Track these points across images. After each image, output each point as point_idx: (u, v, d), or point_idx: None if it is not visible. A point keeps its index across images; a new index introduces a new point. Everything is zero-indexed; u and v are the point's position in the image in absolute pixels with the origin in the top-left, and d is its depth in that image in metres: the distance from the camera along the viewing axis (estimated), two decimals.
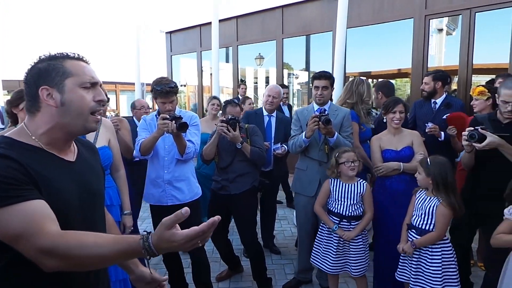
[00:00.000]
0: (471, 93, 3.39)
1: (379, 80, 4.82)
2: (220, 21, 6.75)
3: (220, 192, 3.13)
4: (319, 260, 2.87)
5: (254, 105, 5.59)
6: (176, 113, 2.70)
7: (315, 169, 3.10)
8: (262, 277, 3.24)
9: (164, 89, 2.58)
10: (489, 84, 3.71)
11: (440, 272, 2.44)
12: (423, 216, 2.50)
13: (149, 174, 2.85)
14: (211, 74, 8.57)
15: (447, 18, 5.57)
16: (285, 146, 3.65)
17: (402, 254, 2.61)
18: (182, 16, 9.05)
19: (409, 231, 2.58)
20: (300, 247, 3.33)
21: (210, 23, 6.16)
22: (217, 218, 0.95)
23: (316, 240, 2.94)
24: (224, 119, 2.94)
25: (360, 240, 2.77)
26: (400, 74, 6.41)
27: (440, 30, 8.61)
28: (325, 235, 2.86)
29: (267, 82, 8.75)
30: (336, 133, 2.94)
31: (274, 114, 3.89)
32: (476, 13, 4.87)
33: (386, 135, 2.99)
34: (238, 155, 3.03)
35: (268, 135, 3.80)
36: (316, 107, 3.17)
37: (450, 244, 2.50)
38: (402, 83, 6.80)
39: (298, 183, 3.24)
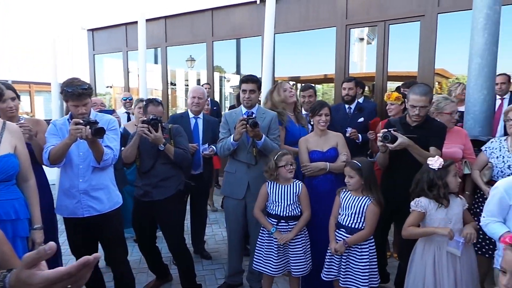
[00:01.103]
0: (385, 99, 3.67)
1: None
2: (147, 20, 6.48)
3: (142, 199, 2.98)
4: (262, 264, 2.86)
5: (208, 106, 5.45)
6: (92, 117, 2.50)
7: (243, 171, 3.11)
8: (191, 284, 3.15)
9: (76, 91, 2.35)
10: (398, 90, 4.08)
11: (368, 267, 2.59)
12: (353, 215, 2.62)
13: (61, 183, 2.59)
14: (138, 75, 8.19)
15: (367, 28, 6.00)
16: (213, 147, 3.62)
17: (328, 254, 2.69)
18: (106, 13, 8.52)
19: (338, 230, 2.68)
20: (230, 250, 3.31)
21: (136, 22, 5.88)
22: (92, 257, 0.76)
23: (257, 244, 2.93)
24: (145, 119, 2.81)
25: (299, 240, 2.81)
26: (326, 79, 6.73)
27: (362, 39, 9.27)
28: (266, 238, 2.86)
29: (198, 84, 8.62)
30: (263, 135, 2.98)
31: (201, 116, 3.83)
32: (390, 25, 5.32)
33: (313, 137, 3.11)
34: (160, 158, 2.92)
35: (196, 137, 3.72)
36: (244, 110, 3.18)
37: (373, 240, 2.66)
38: (328, 88, 7.16)
39: (227, 186, 3.23)
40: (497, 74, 3.49)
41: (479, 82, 3.32)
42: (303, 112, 4.08)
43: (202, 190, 3.93)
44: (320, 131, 3.06)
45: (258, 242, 2.92)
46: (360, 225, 2.61)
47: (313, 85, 4.50)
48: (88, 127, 2.26)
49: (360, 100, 4.40)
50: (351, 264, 2.61)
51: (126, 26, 8.28)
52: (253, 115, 3.01)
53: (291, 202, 2.81)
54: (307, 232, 2.90)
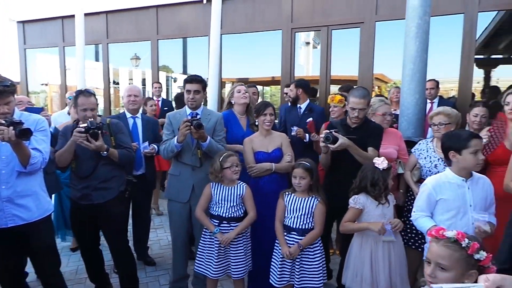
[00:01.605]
0: (329, 101, 3.79)
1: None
2: (86, 15, 6.14)
3: (81, 202, 2.79)
4: (203, 267, 2.81)
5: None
6: (16, 116, 2.28)
7: (188, 174, 3.04)
8: None
9: None
10: (340, 93, 4.25)
11: (321, 266, 2.65)
12: (303, 216, 2.64)
13: None
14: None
15: (313, 32, 6.17)
16: (155, 146, 3.50)
17: (280, 259, 2.66)
18: (39, 4, 7.89)
19: (288, 234, 2.67)
20: (175, 255, 3.21)
21: (74, 16, 5.53)
22: None
23: (199, 246, 2.88)
24: (82, 128, 2.58)
25: (241, 242, 2.79)
26: (274, 81, 6.83)
27: (308, 43, 9.57)
28: (207, 240, 2.82)
29: (143, 84, 8.31)
30: (208, 137, 2.93)
31: (139, 115, 3.68)
32: (333, 30, 5.53)
33: (257, 137, 3.11)
34: (102, 159, 2.76)
35: (135, 137, 3.57)
36: (188, 111, 3.11)
37: (321, 238, 2.73)
38: (276, 90, 7.27)
39: (171, 189, 3.13)
40: (427, 79, 3.77)
41: (411, 87, 3.56)
42: None
43: (145, 192, 3.78)
44: (265, 131, 3.07)
45: (200, 244, 2.88)
46: (310, 226, 2.65)
47: (255, 85, 4.55)
48: (11, 128, 2.05)
49: (307, 102, 4.50)
50: (305, 266, 2.63)
51: (63, 20, 7.75)
52: (198, 116, 2.95)
53: (235, 203, 2.80)
54: (249, 233, 2.90)
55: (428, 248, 1.47)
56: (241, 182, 2.87)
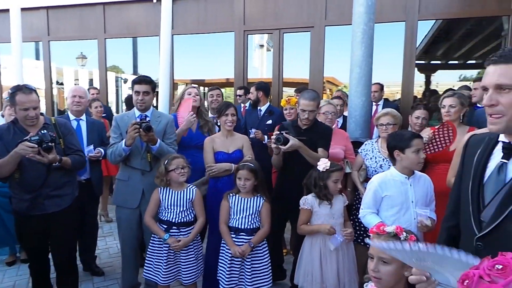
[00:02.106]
0: (283, 103, 3.82)
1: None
2: (23, 9, 5.71)
3: (30, 213, 2.56)
4: (152, 273, 2.72)
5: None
6: None
7: (137, 179, 2.92)
8: None
9: None
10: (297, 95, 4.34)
11: (269, 265, 2.68)
12: (250, 216, 2.65)
13: None
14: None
15: (266, 35, 6.22)
16: (101, 149, 3.33)
17: (228, 261, 2.64)
18: None
19: (237, 235, 2.66)
20: (124, 263, 3.08)
21: (8, 10, 5.11)
22: None
23: (147, 252, 2.78)
24: (30, 142, 2.34)
25: (191, 247, 2.74)
26: (228, 83, 6.79)
27: (262, 46, 9.66)
28: (156, 245, 2.74)
29: (91, 84, 7.90)
30: (159, 140, 2.84)
31: (84, 117, 3.50)
32: (284, 33, 5.63)
33: (219, 137, 3.09)
34: (52, 167, 2.55)
35: (80, 141, 3.36)
36: (137, 113, 3.00)
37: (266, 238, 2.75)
38: (231, 91, 7.24)
39: (119, 195, 3.00)
40: (372, 83, 3.96)
41: (358, 90, 3.72)
42: (210, 115, 4.09)
43: (91, 198, 3.57)
44: (226, 132, 3.06)
45: (148, 250, 2.79)
46: (258, 225, 2.68)
47: (218, 87, 4.53)
48: None
49: (267, 104, 4.53)
50: (256, 265, 2.65)
51: None
52: (147, 119, 2.86)
53: (184, 208, 2.73)
54: (199, 237, 2.86)
55: (371, 244, 1.54)
56: (191, 186, 2.82)
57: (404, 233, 1.48)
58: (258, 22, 5.73)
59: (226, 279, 2.62)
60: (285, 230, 3.37)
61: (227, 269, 2.63)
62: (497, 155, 1.31)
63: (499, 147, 1.31)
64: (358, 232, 2.99)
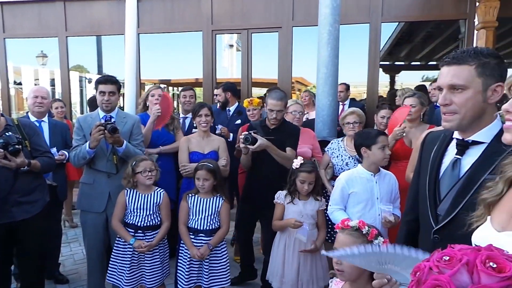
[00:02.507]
0: (246, 105, 3.79)
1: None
2: None
3: None
4: (115, 277, 2.67)
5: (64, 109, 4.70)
6: None
7: (103, 182, 2.84)
8: None
9: None
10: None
11: (228, 265, 2.69)
12: (209, 217, 2.65)
13: None
14: None
15: (236, 35, 6.20)
16: (65, 152, 3.21)
17: (187, 262, 2.63)
18: None
19: (196, 236, 2.65)
20: (90, 269, 2.99)
21: None
22: None
23: (112, 256, 2.72)
24: None
25: (157, 250, 2.70)
26: (197, 83, 6.72)
27: (231, 45, 9.64)
28: (121, 249, 2.68)
29: (52, 85, 7.57)
30: (125, 142, 2.78)
31: (46, 119, 3.36)
32: (252, 34, 5.65)
33: (195, 138, 3.10)
34: (19, 171, 2.42)
35: None
36: (101, 114, 2.92)
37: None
38: (200, 92, 7.18)
39: (84, 200, 2.91)
40: (339, 83, 4.05)
41: (325, 90, 3.79)
42: (182, 115, 4.09)
43: (55, 203, 3.42)
44: (202, 133, 3.06)
45: (112, 254, 2.73)
46: (217, 225, 2.68)
47: (192, 87, 4.49)
48: None
49: (235, 105, 4.52)
50: (214, 266, 2.65)
51: None
52: (112, 120, 2.78)
53: (151, 212, 2.69)
54: (166, 241, 2.82)
55: (336, 238, 1.59)
56: (158, 189, 2.77)
57: (366, 227, 1.54)
58: (226, 22, 5.72)
59: (185, 280, 2.62)
60: (254, 230, 3.38)
61: (186, 269, 2.63)
62: (452, 151, 1.38)
63: (453, 143, 1.38)
64: (327, 230, 3.05)
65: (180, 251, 2.72)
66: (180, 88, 5.36)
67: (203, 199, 2.67)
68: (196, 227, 2.65)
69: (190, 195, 2.70)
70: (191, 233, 2.65)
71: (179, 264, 2.70)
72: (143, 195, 2.69)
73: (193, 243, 2.62)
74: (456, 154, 1.34)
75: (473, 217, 1.06)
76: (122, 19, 4.45)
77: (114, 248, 2.72)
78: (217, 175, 2.67)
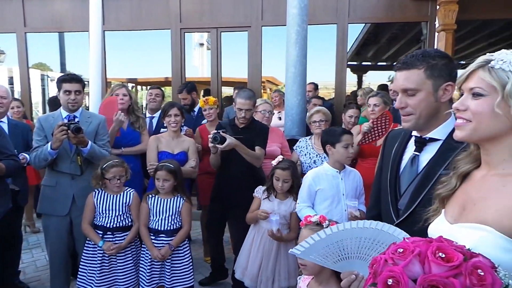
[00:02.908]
0: (202, 104, 3.66)
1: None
2: None
3: None
4: (85, 281, 2.59)
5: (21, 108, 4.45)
6: None
7: (66, 184, 2.75)
8: None
9: None
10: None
11: (191, 264, 2.68)
12: (170, 217, 2.63)
13: None
14: None
15: (206, 34, 6.13)
16: (25, 155, 3.07)
17: (148, 262, 2.61)
18: None
19: (157, 237, 2.63)
20: (53, 275, 2.88)
21: None
22: None
23: (81, 260, 2.64)
24: None
25: (129, 252, 2.64)
26: (167, 82, 6.60)
27: (202, 44, 9.53)
28: (90, 252, 2.61)
29: (11, 83, 7.21)
30: (90, 142, 2.69)
31: (5, 119, 3.21)
32: (222, 32, 5.62)
33: (165, 137, 3.05)
34: None
35: None
36: (64, 113, 2.81)
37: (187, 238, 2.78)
38: (171, 91, 7.06)
39: (46, 203, 2.79)
40: (307, 83, 4.12)
41: (294, 89, 3.84)
42: (148, 114, 4.04)
43: (15, 208, 3.26)
44: (172, 133, 3.02)
45: (82, 258, 2.65)
46: (178, 225, 2.67)
47: (159, 86, 4.41)
48: None
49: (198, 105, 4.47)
50: (176, 266, 2.64)
51: None
52: (76, 120, 2.69)
53: (121, 212, 2.64)
54: (138, 242, 2.77)
55: (300, 234, 1.63)
56: (128, 189, 2.71)
57: (327, 221, 1.60)
58: (195, 20, 5.66)
59: (147, 281, 2.60)
60: (224, 230, 3.37)
61: (147, 270, 2.60)
62: (411, 148, 1.44)
63: (412, 140, 1.44)
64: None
65: (142, 253, 2.69)
66: (149, 88, 5.24)
67: (164, 200, 2.64)
68: (157, 227, 2.63)
69: (150, 196, 2.68)
70: (152, 234, 2.63)
71: (140, 265, 2.67)
72: (112, 196, 2.64)
73: (154, 244, 2.59)
74: (414, 150, 1.40)
75: (429, 211, 1.12)
76: (86, 16, 4.30)
77: (84, 251, 2.64)
78: (177, 175, 2.65)
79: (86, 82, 4.10)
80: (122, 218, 2.64)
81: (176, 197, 2.67)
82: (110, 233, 2.60)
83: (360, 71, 10.17)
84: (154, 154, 2.95)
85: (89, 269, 2.59)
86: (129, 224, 2.68)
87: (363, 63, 10.99)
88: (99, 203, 2.61)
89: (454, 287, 0.61)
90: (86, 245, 2.64)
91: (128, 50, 6.57)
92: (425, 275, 0.65)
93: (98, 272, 2.55)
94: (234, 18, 5.54)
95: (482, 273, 0.63)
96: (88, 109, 3.86)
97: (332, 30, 5.46)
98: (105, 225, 2.60)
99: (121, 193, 2.67)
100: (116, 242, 2.59)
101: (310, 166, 3.05)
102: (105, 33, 5.45)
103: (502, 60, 0.89)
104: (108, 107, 3.14)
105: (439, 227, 1.01)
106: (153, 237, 2.62)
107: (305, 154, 3.15)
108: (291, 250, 1.16)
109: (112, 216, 2.61)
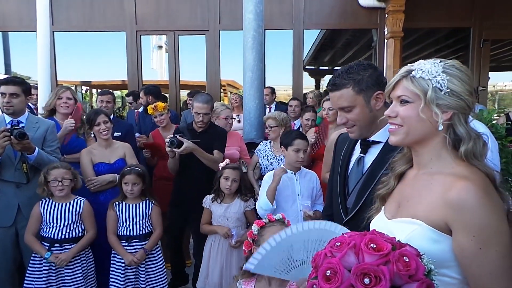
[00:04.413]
0: (149, 112, 3.56)
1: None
2: None
3: None
4: None
5: None
6: None
7: (11, 193, 2.59)
8: None
9: None
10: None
11: (163, 267, 2.68)
12: (141, 222, 2.61)
13: None
14: None
15: (165, 36, 6.03)
16: None
17: (122, 269, 2.56)
18: None
19: (129, 243, 2.59)
20: None
21: None
22: None
23: (27, 274, 2.50)
24: None
25: (78, 265, 2.52)
26: (124, 85, 6.41)
27: (160, 47, 9.33)
28: (36, 266, 2.48)
29: None
30: (37, 148, 2.56)
31: None
32: (179, 36, 5.57)
33: (97, 148, 2.91)
34: None
35: None
36: (8, 118, 2.65)
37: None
38: None
39: None
40: (265, 86, 4.19)
41: (252, 93, 3.89)
42: None
43: None
44: (104, 142, 2.89)
45: (28, 270, 2.51)
46: (150, 229, 2.66)
47: (111, 91, 4.22)
48: None
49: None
50: (150, 269, 2.63)
51: None
52: (20, 125, 2.55)
53: (71, 221, 2.53)
54: (90, 253, 2.66)
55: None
56: (79, 197, 2.60)
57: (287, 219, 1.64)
58: (151, 23, 5.57)
59: (122, 285, 2.56)
60: (184, 235, 3.34)
61: (121, 278, 2.55)
62: (357, 150, 1.52)
63: (358, 143, 1.52)
64: None
65: (112, 261, 2.62)
66: (98, 93, 5.05)
67: (132, 205, 2.62)
68: (128, 233, 2.60)
69: (116, 202, 2.62)
70: (124, 241, 2.60)
71: (112, 274, 2.60)
72: (60, 204, 2.52)
73: (128, 251, 2.57)
74: (360, 153, 1.49)
75: (372, 209, 1.19)
76: (33, 15, 4.09)
77: (30, 265, 2.50)
78: (146, 179, 2.65)
79: (34, 85, 3.92)
80: (71, 228, 2.53)
81: (144, 201, 2.66)
82: (58, 245, 2.47)
83: (317, 75, 10.45)
84: (90, 169, 2.81)
85: (35, 284, 2.45)
86: (80, 235, 2.57)
87: (321, 67, 11.32)
88: (46, 213, 2.49)
89: (383, 273, 0.67)
90: (32, 257, 2.51)
91: (81, 52, 6.31)
92: (358, 264, 0.70)
93: (44, 287, 2.43)
94: (192, 21, 5.52)
95: (408, 260, 0.70)
96: (36, 113, 3.67)
97: (289, 35, 5.60)
98: (52, 236, 2.47)
99: (70, 201, 2.55)
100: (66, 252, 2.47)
101: (267, 168, 3.11)
102: (54, 34, 5.22)
103: (421, 70, 0.98)
104: (76, 113, 3.01)
105: (378, 223, 1.09)
106: (125, 244, 2.58)
107: (264, 157, 3.21)
108: (245, 266, 1.17)
109: (60, 226, 2.49)
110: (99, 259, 2.72)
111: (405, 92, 1.00)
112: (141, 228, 2.62)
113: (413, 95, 0.98)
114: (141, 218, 2.61)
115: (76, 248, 2.50)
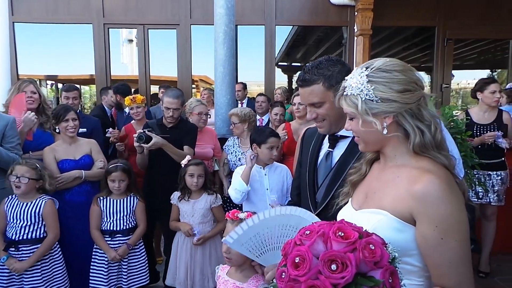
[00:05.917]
0: (129, 103, 3.53)
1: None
2: None
3: None
4: None
5: None
6: None
7: None
8: None
9: None
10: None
11: (145, 262, 2.71)
12: (125, 217, 2.63)
13: None
14: None
15: (135, 29, 5.83)
16: None
17: (105, 265, 2.56)
18: None
19: (113, 238, 2.59)
20: None
21: None
22: None
23: None
24: None
25: (39, 270, 2.41)
26: (92, 80, 6.16)
27: (131, 40, 9.04)
28: None
29: None
30: None
31: None
32: (149, 30, 5.44)
33: (61, 145, 2.82)
34: None
35: None
36: None
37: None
38: (96, 89, 6.62)
39: None
40: (237, 82, 4.17)
41: (223, 88, 3.86)
42: None
43: None
44: (69, 139, 2.80)
45: None
46: (134, 224, 2.69)
47: (77, 86, 4.05)
48: None
49: None
50: (133, 264, 2.65)
51: None
52: None
53: (29, 222, 2.43)
54: (59, 255, 2.56)
55: (225, 229, 1.68)
56: (43, 196, 2.50)
57: None
58: (120, 16, 5.40)
59: (105, 284, 2.55)
60: (154, 231, 3.28)
61: (105, 273, 2.56)
62: (326, 144, 1.54)
63: (327, 138, 1.54)
64: None
65: (93, 257, 2.61)
66: (62, 89, 4.83)
67: (117, 200, 2.63)
68: (112, 228, 2.60)
69: (101, 198, 2.62)
70: (107, 236, 2.59)
71: (94, 270, 2.58)
72: (22, 203, 2.42)
73: (111, 245, 2.57)
74: (328, 147, 1.51)
75: (342, 194, 1.21)
76: None
77: None
78: (131, 174, 2.66)
79: None
80: (31, 229, 2.42)
81: (129, 197, 2.67)
82: (13, 248, 2.37)
83: (290, 71, 10.52)
84: (54, 166, 2.69)
85: None
86: (42, 236, 2.45)
87: (293, 64, 11.41)
88: (9, 211, 2.40)
89: (349, 260, 0.69)
90: None
91: (45, 44, 6.03)
92: (326, 251, 0.71)
93: (5, 286, 2.34)
94: (162, 15, 5.41)
95: (373, 248, 0.72)
96: None
97: (261, 31, 5.60)
98: (10, 237, 2.37)
99: (33, 201, 2.44)
100: (23, 258, 2.36)
101: (235, 164, 3.10)
102: (14, 25, 4.97)
103: (350, 86, 1.01)
104: (17, 106, 2.82)
105: (346, 213, 1.11)
106: (109, 238, 2.59)
107: (232, 153, 3.20)
108: (224, 239, 1.17)
109: (18, 227, 2.39)
110: (68, 260, 2.63)
111: (346, 110, 1.04)
112: (125, 223, 2.63)
113: (352, 112, 1.02)
114: (125, 213, 2.63)
115: (34, 257, 2.38)
